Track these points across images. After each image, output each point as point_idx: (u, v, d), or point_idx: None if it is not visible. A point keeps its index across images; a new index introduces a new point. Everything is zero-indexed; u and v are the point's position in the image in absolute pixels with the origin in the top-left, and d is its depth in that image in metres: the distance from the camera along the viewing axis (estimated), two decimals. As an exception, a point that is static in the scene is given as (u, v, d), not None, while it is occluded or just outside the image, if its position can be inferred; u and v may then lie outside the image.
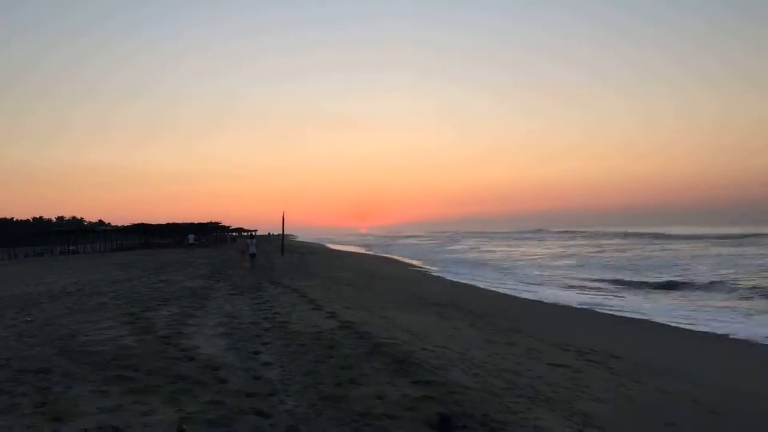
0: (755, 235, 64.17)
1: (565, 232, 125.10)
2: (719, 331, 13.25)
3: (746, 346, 11.88)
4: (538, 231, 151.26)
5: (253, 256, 27.79)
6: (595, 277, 28.64)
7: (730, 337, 12.67)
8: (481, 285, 24.90)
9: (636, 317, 15.54)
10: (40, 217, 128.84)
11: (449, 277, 29.42)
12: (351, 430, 4.97)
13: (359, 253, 61.56)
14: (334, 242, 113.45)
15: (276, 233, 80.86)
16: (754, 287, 21.33)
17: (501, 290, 22.83)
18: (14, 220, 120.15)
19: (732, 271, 28.27)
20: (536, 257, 48.65)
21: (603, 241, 73.82)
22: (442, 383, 6.53)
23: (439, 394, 6.06)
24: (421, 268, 37.59)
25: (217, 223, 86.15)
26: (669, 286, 23.41)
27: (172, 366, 7.11)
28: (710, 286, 22.73)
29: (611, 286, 24.35)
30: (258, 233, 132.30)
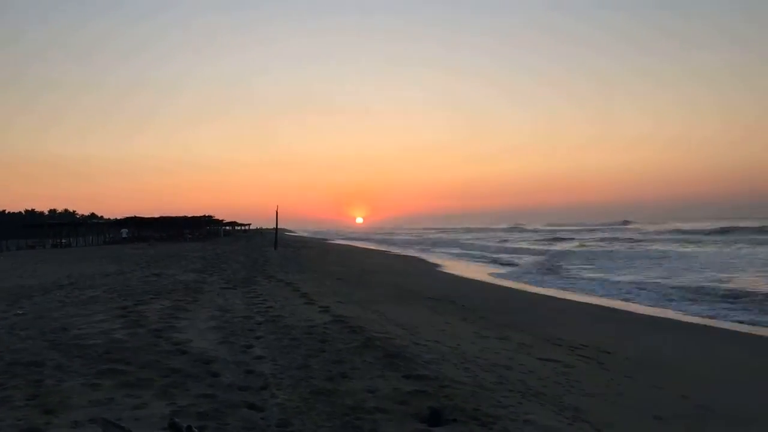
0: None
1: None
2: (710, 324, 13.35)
3: (737, 340, 11.98)
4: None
5: None
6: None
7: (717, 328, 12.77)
8: (473, 278, 24.99)
9: (623, 310, 15.64)
10: (33, 210, 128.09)
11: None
12: (342, 423, 5.00)
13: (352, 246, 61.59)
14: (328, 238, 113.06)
15: (263, 228, 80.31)
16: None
17: (491, 282, 22.92)
18: (6, 212, 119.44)
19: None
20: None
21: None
22: (434, 377, 6.58)
23: (431, 388, 6.10)
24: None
25: (209, 217, 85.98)
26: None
27: (164, 359, 7.12)
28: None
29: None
30: (251, 227, 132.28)
